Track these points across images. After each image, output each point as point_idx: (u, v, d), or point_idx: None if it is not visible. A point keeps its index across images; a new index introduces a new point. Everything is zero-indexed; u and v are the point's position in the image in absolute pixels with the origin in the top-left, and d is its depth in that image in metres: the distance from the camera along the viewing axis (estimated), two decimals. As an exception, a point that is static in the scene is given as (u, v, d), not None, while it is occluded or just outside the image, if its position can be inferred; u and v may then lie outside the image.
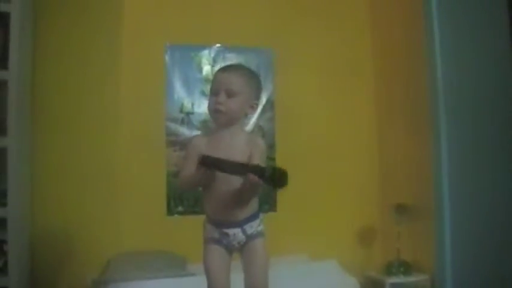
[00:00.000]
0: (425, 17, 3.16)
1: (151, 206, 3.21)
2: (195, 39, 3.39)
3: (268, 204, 3.35)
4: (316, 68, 3.61)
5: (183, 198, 3.26)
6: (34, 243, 2.95)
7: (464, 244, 2.98)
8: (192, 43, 3.39)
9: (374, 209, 3.60)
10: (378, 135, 3.71)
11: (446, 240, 3.02)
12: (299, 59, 3.56)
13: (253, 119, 3.39)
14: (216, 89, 1.85)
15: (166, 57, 3.35)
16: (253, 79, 1.92)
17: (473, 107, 3.03)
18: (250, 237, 1.86)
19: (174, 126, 3.32)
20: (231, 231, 1.84)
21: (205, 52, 3.42)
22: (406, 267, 3.19)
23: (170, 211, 3.25)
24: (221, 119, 1.85)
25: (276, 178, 1.65)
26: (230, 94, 1.83)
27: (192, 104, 3.36)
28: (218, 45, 3.43)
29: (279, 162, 3.39)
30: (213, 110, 1.85)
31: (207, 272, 1.84)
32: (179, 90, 3.35)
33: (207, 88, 3.04)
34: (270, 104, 3.48)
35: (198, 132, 3.26)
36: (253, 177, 1.65)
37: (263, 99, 3.35)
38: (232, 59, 3.35)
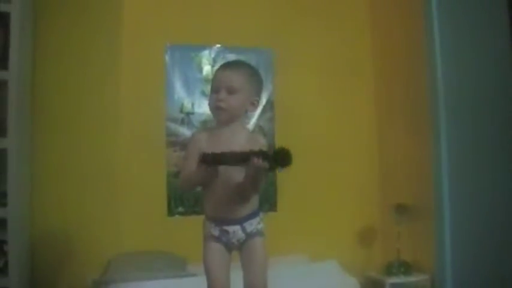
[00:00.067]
0: (425, 17, 3.16)
1: (152, 206, 3.21)
2: (195, 40, 3.39)
3: (269, 204, 3.35)
4: (316, 68, 3.61)
5: (183, 198, 3.26)
6: (34, 244, 2.95)
7: (464, 244, 2.98)
8: (192, 43, 3.39)
9: (374, 209, 3.60)
10: (378, 135, 3.71)
11: (446, 240, 3.02)
12: (299, 59, 3.57)
13: (254, 119, 3.39)
14: (217, 86, 1.86)
15: (167, 58, 3.35)
16: (254, 76, 1.92)
17: (473, 107, 3.03)
18: (249, 235, 1.87)
19: (174, 126, 3.32)
20: (230, 228, 1.85)
21: (206, 52, 3.42)
22: (406, 267, 3.19)
23: (170, 211, 3.25)
24: (222, 116, 1.86)
25: (279, 158, 1.65)
26: (231, 91, 1.83)
27: (192, 104, 3.36)
28: (218, 45, 3.43)
29: (279, 162, 3.40)
30: (214, 107, 1.86)
31: (207, 270, 1.84)
32: (179, 91, 3.35)
33: (207, 88, 3.04)
34: (270, 104, 3.48)
35: (198, 133, 3.26)
36: (257, 161, 1.64)
37: (263, 100, 3.35)
38: (232, 59, 3.33)
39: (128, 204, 3.16)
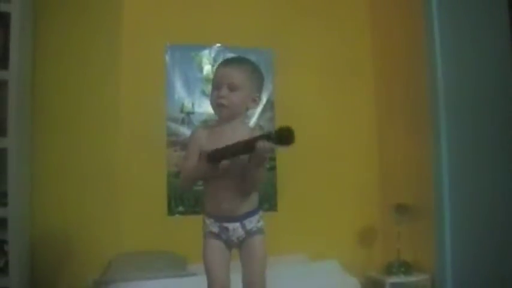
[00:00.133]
0: (426, 17, 3.16)
1: (152, 206, 3.21)
2: (196, 39, 3.39)
3: (269, 203, 3.35)
4: (316, 68, 3.61)
5: (183, 198, 3.26)
6: (34, 244, 2.95)
7: (464, 244, 2.98)
8: (192, 43, 3.39)
9: (374, 209, 3.60)
10: (378, 135, 3.71)
11: (446, 240, 3.02)
12: (299, 59, 3.57)
13: (254, 119, 3.39)
14: (218, 82, 1.86)
15: (167, 57, 3.35)
16: (255, 72, 1.92)
17: (474, 107, 3.03)
18: (249, 233, 1.87)
19: (174, 126, 3.32)
20: (230, 225, 1.85)
21: (206, 52, 3.42)
22: (406, 267, 3.19)
23: (171, 211, 3.25)
24: (223, 113, 1.86)
25: (283, 136, 1.64)
26: (232, 88, 1.83)
27: (193, 104, 3.36)
28: (218, 45, 3.43)
29: (279, 162, 3.40)
30: (216, 104, 1.86)
31: (207, 267, 1.85)
32: (180, 90, 3.35)
33: (208, 88, 3.06)
34: (270, 104, 3.48)
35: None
36: (263, 143, 1.64)
37: (263, 99, 3.35)
38: (232, 58, 3.35)
39: (128, 204, 3.16)
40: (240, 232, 1.86)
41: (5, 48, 2.63)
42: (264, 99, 3.38)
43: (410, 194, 3.33)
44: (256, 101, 1.92)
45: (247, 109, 1.91)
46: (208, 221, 1.89)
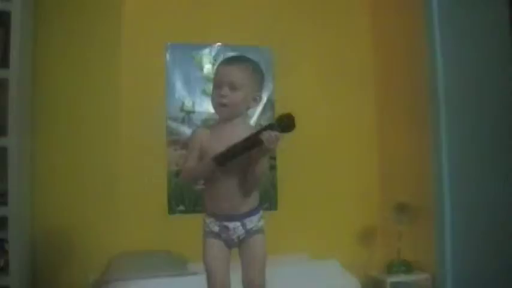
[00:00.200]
0: (426, 16, 3.15)
1: (153, 205, 3.21)
2: (196, 38, 3.39)
3: (269, 202, 3.35)
4: (317, 67, 3.61)
5: (184, 197, 3.26)
6: (35, 243, 2.95)
7: (464, 243, 2.98)
8: (192, 42, 3.39)
9: (375, 208, 3.60)
10: (379, 134, 3.70)
11: (446, 239, 3.02)
12: (299, 58, 3.56)
13: (254, 118, 3.39)
14: (219, 81, 1.86)
15: (167, 56, 3.35)
16: (256, 71, 1.92)
17: (474, 106, 3.03)
18: (249, 233, 1.87)
19: (175, 125, 3.31)
20: (231, 224, 1.85)
21: (206, 51, 3.42)
22: (407, 266, 3.19)
23: (171, 210, 3.25)
24: (224, 112, 1.86)
25: (285, 123, 1.71)
26: (233, 87, 1.83)
27: (193, 103, 3.35)
28: (219, 44, 3.43)
29: (280, 161, 3.40)
30: (217, 104, 1.86)
31: (207, 266, 1.85)
32: (180, 89, 3.35)
33: (208, 87, 3.06)
34: (270, 104, 3.48)
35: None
36: (269, 134, 1.68)
37: (264, 98, 3.35)
38: (233, 57, 3.35)
39: (128, 202, 3.16)
40: (241, 231, 1.86)
41: (5, 47, 2.63)
42: (264, 98, 3.37)
43: (411, 193, 3.33)
44: (257, 100, 1.92)
45: (248, 108, 1.91)
46: (208, 220, 1.89)
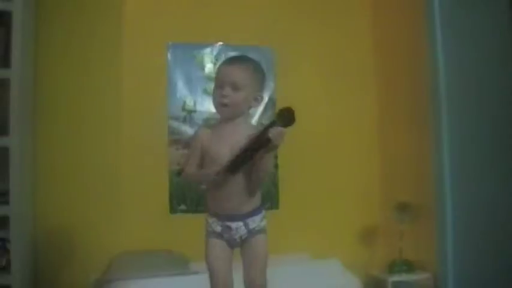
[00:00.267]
0: (427, 15, 3.15)
1: (154, 204, 3.21)
2: (197, 38, 3.39)
3: (270, 202, 3.35)
4: (318, 67, 3.61)
5: (186, 196, 3.26)
6: (36, 242, 2.95)
7: (466, 242, 2.98)
8: (194, 41, 3.39)
9: (376, 207, 3.60)
10: (380, 133, 3.70)
11: (448, 239, 3.02)
12: (301, 57, 3.56)
13: (255, 117, 3.39)
14: (221, 81, 1.86)
15: (169, 56, 3.35)
16: (257, 71, 1.92)
17: (475, 106, 3.03)
18: (251, 233, 1.87)
19: (176, 124, 3.32)
20: (233, 224, 1.86)
21: (208, 50, 3.42)
22: (408, 266, 3.19)
23: (173, 209, 3.25)
24: (226, 112, 1.87)
25: (287, 118, 1.76)
26: (235, 87, 1.83)
27: (195, 102, 3.35)
28: (220, 43, 3.43)
29: (281, 160, 3.40)
30: (218, 104, 1.86)
31: (210, 266, 1.86)
32: (181, 89, 3.35)
33: (210, 86, 3.06)
34: (271, 102, 3.48)
35: (200, 131, 3.26)
36: (275, 130, 1.72)
37: (265, 98, 3.35)
38: (234, 57, 3.35)
39: (130, 202, 3.16)
40: (243, 231, 1.86)
41: (6, 46, 2.63)
42: (265, 98, 3.37)
43: (412, 192, 3.32)
44: (258, 100, 1.93)
45: (249, 108, 1.92)
46: (210, 220, 1.89)
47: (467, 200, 2.99)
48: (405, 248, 3.23)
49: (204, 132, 1.92)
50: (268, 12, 3.53)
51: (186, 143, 3.17)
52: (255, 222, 1.87)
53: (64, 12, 3.15)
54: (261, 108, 3.38)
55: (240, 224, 1.86)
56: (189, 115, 3.34)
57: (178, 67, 3.36)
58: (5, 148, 2.56)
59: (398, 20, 3.51)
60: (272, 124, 1.73)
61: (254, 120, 3.36)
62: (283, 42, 3.50)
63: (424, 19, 3.18)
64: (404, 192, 3.38)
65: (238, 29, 3.44)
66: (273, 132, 1.71)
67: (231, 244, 1.88)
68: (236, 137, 1.82)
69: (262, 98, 1.97)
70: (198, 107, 3.35)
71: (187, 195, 3.25)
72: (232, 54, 3.31)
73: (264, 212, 1.92)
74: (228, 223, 1.85)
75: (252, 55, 2.11)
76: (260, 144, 1.73)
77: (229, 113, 1.86)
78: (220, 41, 3.43)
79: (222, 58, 3.34)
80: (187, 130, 3.29)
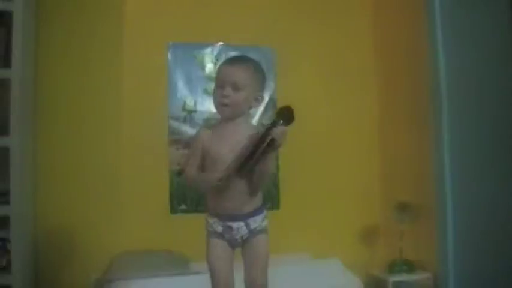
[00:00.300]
0: (428, 15, 3.15)
1: (155, 204, 3.21)
2: (198, 38, 3.39)
3: (271, 202, 3.35)
4: (318, 67, 3.61)
5: (186, 196, 3.26)
6: (37, 242, 2.96)
7: (467, 242, 2.98)
8: (194, 41, 3.39)
9: (377, 207, 3.60)
10: (380, 133, 3.70)
11: (449, 239, 3.01)
12: (301, 57, 3.56)
13: (256, 117, 3.39)
14: (222, 81, 1.86)
15: (169, 56, 3.35)
16: (258, 71, 1.93)
17: (476, 106, 3.02)
18: (253, 232, 1.87)
19: (176, 124, 3.32)
20: (234, 224, 1.86)
21: (208, 50, 3.42)
22: (409, 266, 3.19)
23: (173, 209, 3.25)
24: (226, 112, 1.87)
25: (287, 116, 1.78)
26: (236, 88, 1.84)
27: (195, 102, 3.35)
28: (221, 43, 3.43)
29: (282, 160, 3.40)
30: (219, 104, 1.86)
31: (211, 267, 1.86)
32: (182, 89, 3.35)
33: (210, 86, 3.06)
34: (272, 102, 3.48)
35: (201, 131, 3.26)
36: (278, 130, 1.74)
37: (265, 98, 3.35)
38: (235, 57, 3.35)
39: (130, 202, 3.16)
40: (244, 231, 1.86)
41: (7, 46, 2.63)
42: (266, 98, 3.37)
43: (413, 192, 3.32)
44: (258, 100, 1.93)
45: (250, 108, 1.92)
46: (211, 220, 1.89)
47: (467, 200, 2.99)
48: (405, 248, 3.22)
49: (205, 133, 1.92)
50: (269, 12, 3.53)
51: (187, 143, 3.18)
52: (256, 222, 1.87)
53: (64, 12, 3.15)
54: (261, 108, 3.38)
55: (241, 224, 1.86)
56: (189, 115, 3.34)
57: (178, 67, 3.36)
58: (6, 148, 2.56)
59: (399, 20, 3.51)
60: (274, 124, 1.74)
61: (255, 120, 3.37)
62: (283, 42, 3.50)
63: (425, 19, 3.17)
64: (405, 192, 3.38)
65: (238, 29, 3.44)
66: (277, 132, 1.72)
67: (232, 244, 1.88)
68: (237, 137, 1.82)
69: (262, 98, 1.97)
70: (199, 107, 3.35)
71: (188, 195, 3.25)
72: (232, 54, 3.31)
73: (265, 212, 1.92)
74: (229, 223, 1.85)
75: (252, 55, 2.11)
76: (261, 142, 1.73)
77: (229, 113, 1.86)
78: (221, 41, 3.43)
79: (223, 58, 3.34)
80: (188, 130, 3.29)
